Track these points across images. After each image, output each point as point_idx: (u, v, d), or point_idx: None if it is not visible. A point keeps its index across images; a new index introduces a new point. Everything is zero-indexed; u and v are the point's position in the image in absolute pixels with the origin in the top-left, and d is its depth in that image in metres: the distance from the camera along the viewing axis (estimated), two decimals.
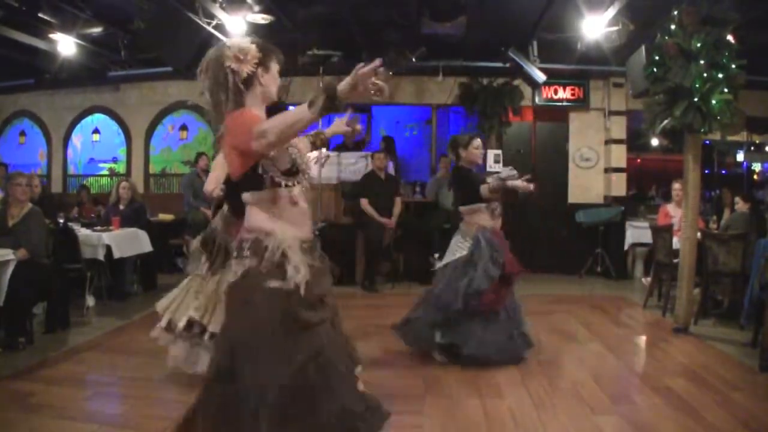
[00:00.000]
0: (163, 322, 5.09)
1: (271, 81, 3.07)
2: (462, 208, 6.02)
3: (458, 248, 5.88)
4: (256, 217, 2.96)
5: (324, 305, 3.04)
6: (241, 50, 2.94)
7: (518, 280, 5.93)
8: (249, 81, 2.98)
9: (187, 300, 5.06)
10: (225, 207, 5.25)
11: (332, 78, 2.59)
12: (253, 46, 2.98)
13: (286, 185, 2.96)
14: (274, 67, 3.09)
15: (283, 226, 2.95)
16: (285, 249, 2.91)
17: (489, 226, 5.87)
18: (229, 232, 5.06)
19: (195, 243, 5.25)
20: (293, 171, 3.00)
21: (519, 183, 5.67)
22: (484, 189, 5.74)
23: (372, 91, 2.64)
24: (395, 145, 12.53)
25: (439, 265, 6.03)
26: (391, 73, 2.57)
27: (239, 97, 2.95)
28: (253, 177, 2.91)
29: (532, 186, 5.83)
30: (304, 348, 2.87)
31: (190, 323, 4.93)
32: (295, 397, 2.81)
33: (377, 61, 2.52)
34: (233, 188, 2.99)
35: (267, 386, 2.78)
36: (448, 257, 5.92)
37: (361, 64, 2.54)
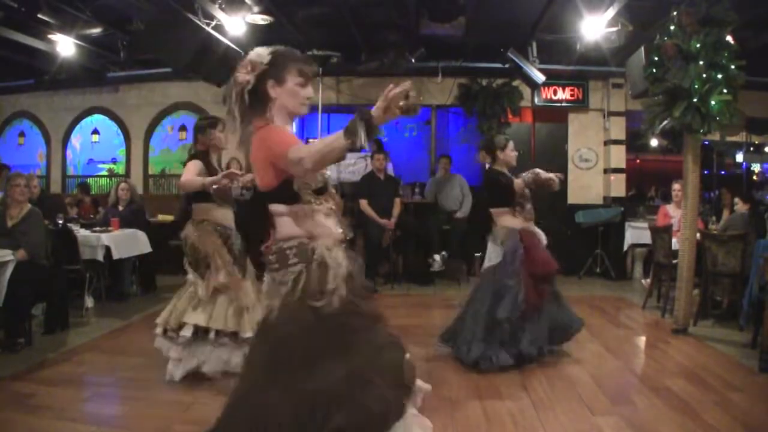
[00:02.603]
0: (157, 329, 5.29)
1: (284, 95, 2.98)
2: (492, 210, 6.11)
3: (493, 254, 5.97)
4: (291, 226, 2.94)
5: (368, 299, 3.06)
6: (251, 61, 2.92)
7: (553, 277, 6.00)
8: (259, 94, 2.95)
9: (180, 306, 5.19)
10: (196, 216, 5.42)
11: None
12: (266, 58, 2.93)
13: (315, 203, 2.96)
14: (293, 80, 2.98)
15: (320, 231, 2.95)
16: (328, 249, 2.92)
17: (519, 228, 5.94)
18: (203, 240, 5.20)
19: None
20: (323, 190, 3.01)
21: (551, 174, 5.74)
22: (518, 183, 5.81)
23: (403, 111, 2.58)
24: (384, 148, 12.50)
25: (484, 268, 6.12)
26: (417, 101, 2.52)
27: (245, 109, 2.94)
28: (286, 191, 2.90)
29: (559, 177, 5.90)
30: (362, 346, 2.89)
31: (195, 329, 5.04)
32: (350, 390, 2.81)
33: (407, 83, 2.50)
34: (261, 198, 2.95)
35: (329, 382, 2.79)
36: (486, 263, 6.03)
37: (391, 85, 2.52)
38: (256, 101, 2.95)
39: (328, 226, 3.00)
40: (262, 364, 2.92)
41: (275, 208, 2.95)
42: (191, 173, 5.18)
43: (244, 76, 2.91)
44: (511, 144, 6.17)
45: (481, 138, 11.76)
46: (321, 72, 10.43)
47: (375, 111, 2.53)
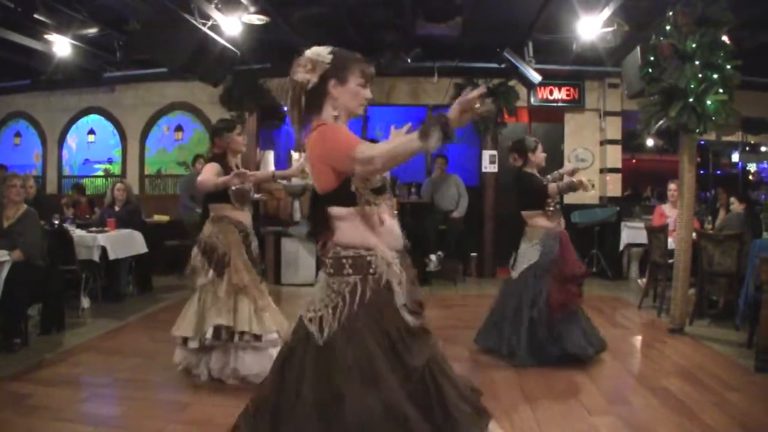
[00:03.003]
0: (193, 344, 5.13)
1: (346, 95, 2.92)
2: (524, 213, 6.14)
3: (529, 254, 5.99)
4: (351, 233, 2.86)
5: (422, 311, 2.96)
6: (311, 60, 2.86)
7: (582, 279, 6.01)
8: (319, 93, 2.89)
9: (207, 313, 5.10)
10: (213, 213, 5.33)
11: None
12: (327, 57, 2.87)
13: (375, 203, 2.87)
14: (354, 81, 2.93)
15: (379, 241, 2.88)
16: (387, 264, 2.85)
17: (555, 229, 6.00)
18: (223, 238, 5.16)
19: (196, 256, 5.27)
20: (382, 190, 2.92)
21: (585, 180, 5.80)
22: (552, 188, 5.85)
23: (478, 114, 2.57)
24: None
25: (514, 274, 6.11)
26: (491, 99, 2.50)
27: (301, 109, 2.89)
28: (344, 192, 2.82)
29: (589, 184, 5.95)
30: (418, 355, 2.78)
31: (218, 330, 4.97)
32: (413, 403, 2.69)
33: (483, 88, 2.48)
34: (318, 201, 2.88)
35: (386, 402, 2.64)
36: (522, 265, 6.02)
37: (468, 88, 2.49)
38: (313, 100, 2.91)
39: (387, 232, 2.93)
40: (320, 386, 2.74)
41: (335, 211, 2.88)
42: (209, 174, 5.14)
43: (304, 74, 2.86)
44: (540, 146, 6.21)
45: (476, 139, 11.84)
46: None
47: (451, 114, 2.49)
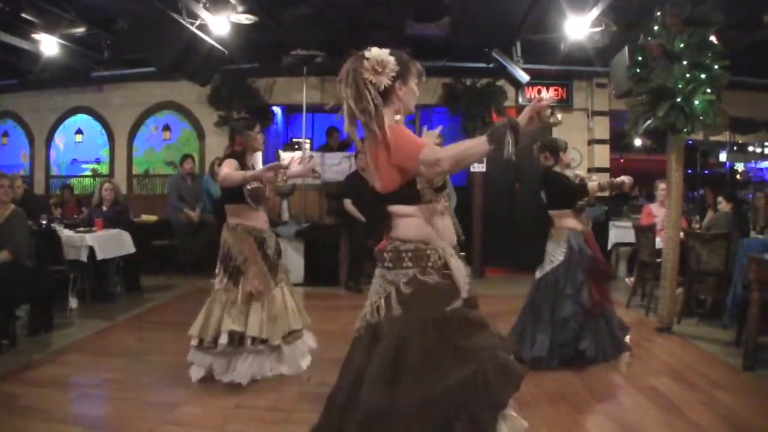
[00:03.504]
0: (194, 342, 5.19)
1: (409, 95, 3.04)
2: (551, 212, 6.15)
3: (555, 254, 5.98)
4: (411, 229, 2.94)
5: (477, 307, 3.04)
6: (379, 62, 2.91)
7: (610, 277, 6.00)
8: (386, 94, 2.94)
9: (214, 315, 5.15)
10: (230, 219, 5.34)
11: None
12: (392, 59, 2.94)
13: (435, 201, 2.98)
14: (413, 80, 3.05)
15: (438, 236, 2.96)
16: (446, 257, 2.92)
17: (579, 229, 6.00)
18: (241, 246, 5.15)
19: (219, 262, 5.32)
20: (443, 188, 3.02)
21: (625, 178, 5.99)
22: (593, 186, 5.92)
23: (546, 121, 2.69)
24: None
25: (538, 274, 6.08)
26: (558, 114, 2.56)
27: (378, 110, 2.90)
28: (408, 191, 2.91)
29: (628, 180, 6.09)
30: (478, 348, 2.83)
31: (232, 336, 4.98)
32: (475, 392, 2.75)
33: (552, 97, 2.52)
34: (379, 200, 2.93)
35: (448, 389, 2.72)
36: (547, 266, 6.00)
37: (540, 96, 2.53)
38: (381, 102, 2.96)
39: (445, 229, 3.02)
40: (378, 365, 2.85)
41: (396, 209, 2.96)
42: (231, 168, 5.11)
43: (379, 77, 2.91)
44: (568, 146, 6.29)
45: (463, 138, 11.84)
46: (305, 72, 10.44)
47: (521, 119, 2.60)
